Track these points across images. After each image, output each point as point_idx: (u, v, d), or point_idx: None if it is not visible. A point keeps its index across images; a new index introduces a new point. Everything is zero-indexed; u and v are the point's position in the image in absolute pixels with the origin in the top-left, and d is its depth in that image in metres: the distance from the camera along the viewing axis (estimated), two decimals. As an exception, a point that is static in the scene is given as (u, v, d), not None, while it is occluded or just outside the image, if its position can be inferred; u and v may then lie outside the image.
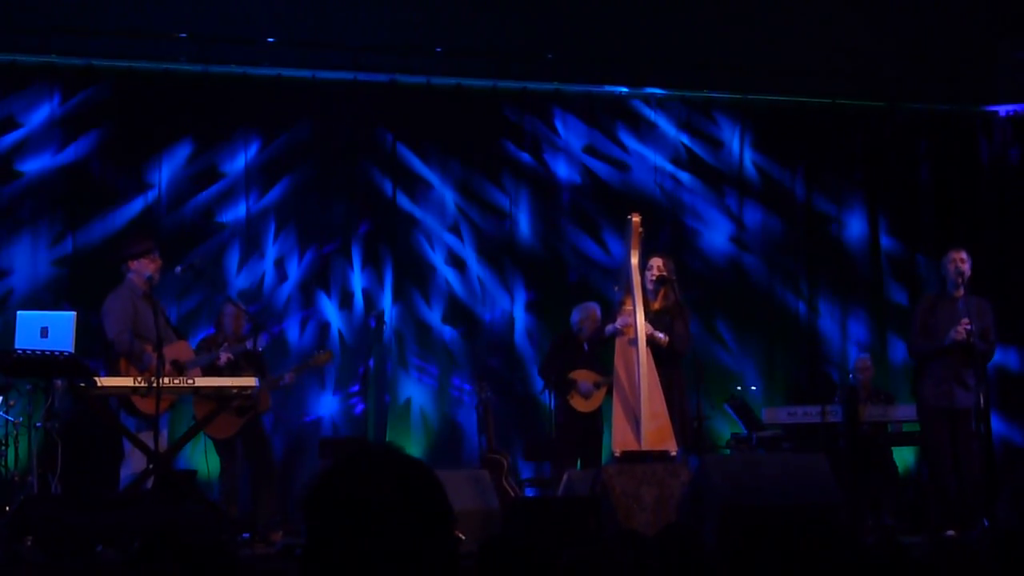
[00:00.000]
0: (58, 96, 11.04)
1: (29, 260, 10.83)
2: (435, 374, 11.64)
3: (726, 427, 11.48)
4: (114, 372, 8.33)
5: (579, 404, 9.85)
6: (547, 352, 10.61)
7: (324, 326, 11.44)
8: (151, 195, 11.12)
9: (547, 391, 10.33)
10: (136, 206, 11.10)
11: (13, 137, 10.94)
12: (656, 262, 8.61)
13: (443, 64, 11.86)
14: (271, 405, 9.74)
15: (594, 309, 10.01)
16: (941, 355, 8.72)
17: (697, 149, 12.46)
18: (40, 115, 11.01)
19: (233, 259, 11.30)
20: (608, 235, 11.94)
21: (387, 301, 11.57)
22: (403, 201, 11.73)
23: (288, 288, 11.41)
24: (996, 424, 11.59)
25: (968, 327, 8.55)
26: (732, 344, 12.22)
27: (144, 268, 8.51)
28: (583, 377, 9.86)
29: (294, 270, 11.44)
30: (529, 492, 10.91)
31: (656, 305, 8.59)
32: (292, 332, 11.33)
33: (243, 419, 9.04)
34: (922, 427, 9.14)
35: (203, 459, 9.43)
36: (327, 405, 11.35)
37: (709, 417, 10.41)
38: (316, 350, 10.33)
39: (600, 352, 9.67)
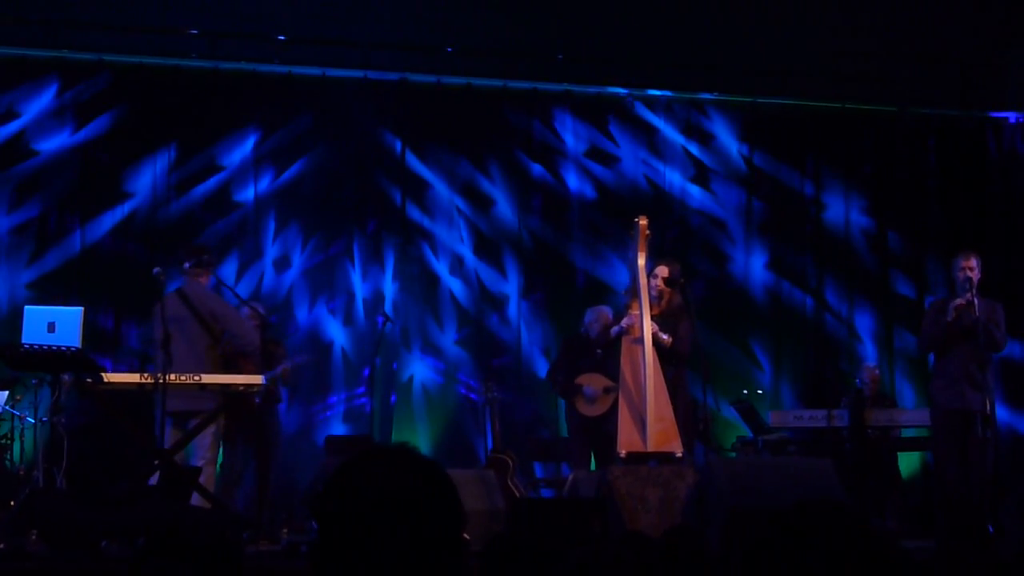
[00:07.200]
0: (68, 91, 11.05)
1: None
2: (441, 374, 11.63)
3: (730, 429, 11.45)
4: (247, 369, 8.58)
5: (584, 409, 9.80)
6: (555, 357, 10.59)
7: (328, 323, 11.43)
8: (159, 191, 11.13)
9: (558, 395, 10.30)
10: (144, 202, 11.11)
11: (18, 128, 10.97)
12: (662, 271, 8.59)
13: (453, 63, 11.86)
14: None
15: (606, 312, 9.96)
16: (948, 342, 8.67)
17: (704, 151, 12.45)
18: (49, 110, 11.02)
19: (238, 256, 11.30)
20: (616, 236, 11.90)
21: (394, 300, 11.56)
22: (412, 199, 11.73)
23: (293, 285, 11.41)
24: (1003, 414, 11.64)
25: (970, 298, 8.52)
26: (739, 347, 12.20)
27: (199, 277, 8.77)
28: (591, 381, 9.82)
29: (299, 268, 11.43)
30: (545, 493, 10.86)
31: (662, 308, 8.57)
32: (296, 328, 11.33)
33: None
34: (933, 430, 9.14)
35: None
36: (332, 404, 11.34)
37: (712, 418, 10.40)
38: (285, 360, 9.82)
39: (614, 356, 9.60)
